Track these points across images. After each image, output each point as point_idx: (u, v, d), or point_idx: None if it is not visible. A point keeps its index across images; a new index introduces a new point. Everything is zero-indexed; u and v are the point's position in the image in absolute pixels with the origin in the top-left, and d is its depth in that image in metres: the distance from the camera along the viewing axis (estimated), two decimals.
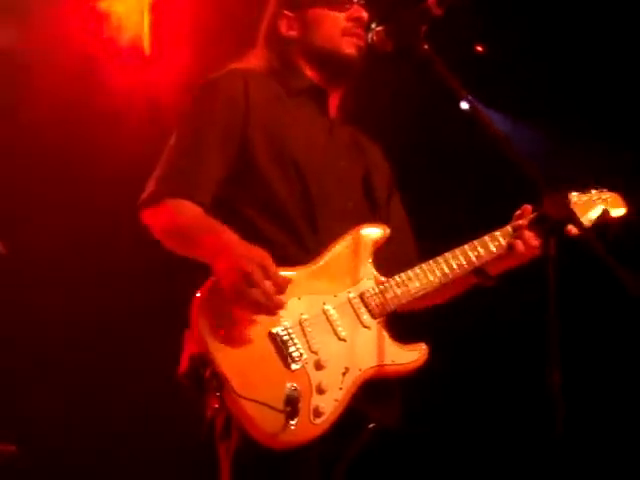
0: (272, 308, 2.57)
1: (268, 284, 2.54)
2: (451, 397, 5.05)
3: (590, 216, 3.01)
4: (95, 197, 4.85)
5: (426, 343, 2.80)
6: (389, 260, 2.88)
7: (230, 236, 2.64)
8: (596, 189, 3.09)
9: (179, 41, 5.05)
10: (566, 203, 2.30)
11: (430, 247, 2.98)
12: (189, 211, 2.73)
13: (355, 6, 2.99)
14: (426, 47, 2.56)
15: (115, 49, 5.01)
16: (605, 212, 3.03)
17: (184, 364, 2.62)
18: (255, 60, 3.02)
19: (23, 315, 4.67)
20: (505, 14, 4.93)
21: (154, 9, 5.07)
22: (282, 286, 2.57)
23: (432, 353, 2.80)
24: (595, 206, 3.04)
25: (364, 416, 2.73)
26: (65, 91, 4.78)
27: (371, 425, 2.74)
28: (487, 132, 2.43)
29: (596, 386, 4.89)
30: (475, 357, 5.04)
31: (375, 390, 2.72)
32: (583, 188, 3.09)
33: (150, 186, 2.79)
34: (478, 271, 2.93)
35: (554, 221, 2.30)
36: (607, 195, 3.08)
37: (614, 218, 3.05)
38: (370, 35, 2.86)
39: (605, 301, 4.08)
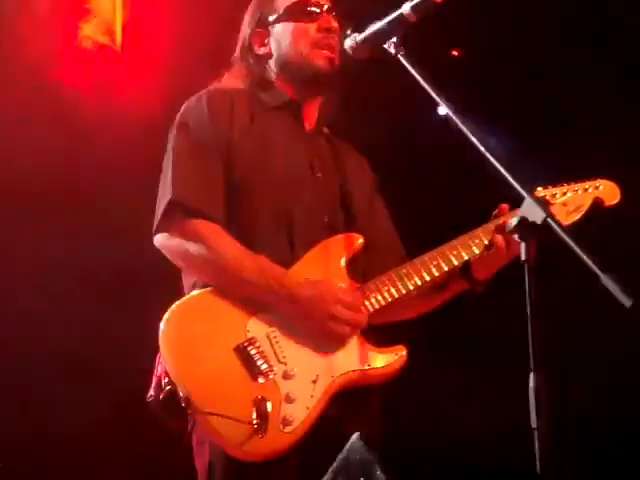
0: (360, 326, 2.73)
1: (349, 314, 2.69)
2: (434, 404, 5.04)
3: (583, 206, 2.99)
4: (69, 195, 4.81)
5: (405, 345, 2.80)
6: (373, 268, 2.88)
7: (288, 280, 2.71)
8: (590, 178, 3.07)
9: (152, 37, 5.03)
10: (545, 206, 2.29)
11: (417, 250, 2.97)
12: (218, 238, 2.75)
13: (324, 16, 3.00)
14: (402, 53, 2.57)
15: (87, 44, 4.98)
16: (599, 201, 3.01)
17: (153, 386, 2.66)
18: (233, 80, 3.05)
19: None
20: (481, 18, 4.94)
21: (127, 4, 5.05)
22: (356, 306, 2.71)
23: (414, 357, 2.80)
24: (588, 196, 3.02)
25: (344, 426, 2.71)
26: (30, 87, 4.75)
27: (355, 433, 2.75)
28: (465, 136, 2.43)
29: (581, 389, 4.89)
30: (458, 360, 5.04)
31: (355, 400, 2.73)
32: (576, 179, 3.07)
33: (161, 208, 2.78)
34: (466, 276, 2.92)
35: (533, 224, 2.30)
36: (600, 183, 3.05)
37: (608, 207, 3.02)
38: (346, 42, 2.87)
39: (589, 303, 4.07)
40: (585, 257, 2.16)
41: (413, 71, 2.52)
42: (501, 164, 2.36)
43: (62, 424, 4.60)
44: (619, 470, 4.80)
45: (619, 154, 4.65)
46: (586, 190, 3.03)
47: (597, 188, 3.03)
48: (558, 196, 3.01)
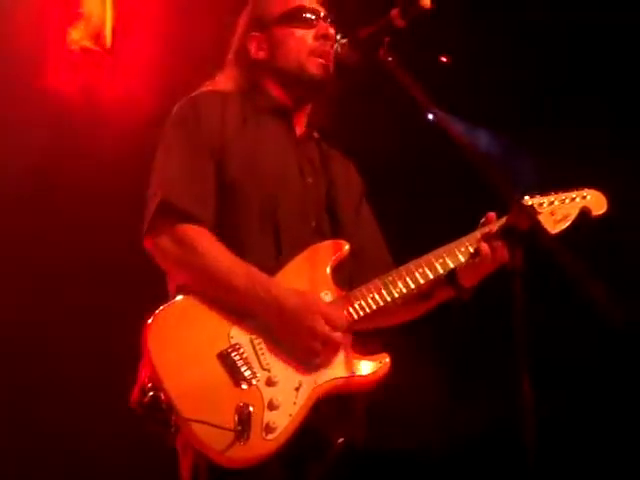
0: (334, 345, 2.69)
1: (327, 331, 2.66)
2: (420, 411, 5.04)
3: (570, 215, 2.98)
4: (60, 195, 4.80)
5: (389, 353, 2.78)
6: (360, 275, 2.88)
7: (276, 288, 2.69)
8: (577, 188, 3.05)
9: (141, 35, 5.02)
10: (532, 213, 2.29)
11: (403, 257, 2.96)
12: (208, 245, 2.73)
13: (321, 23, 2.99)
14: (390, 59, 2.56)
15: (76, 43, 4.97)
16: (586, 211, 3.00)
17: (136, 391, 2.64)
18: (225, 82, 3.03)
19: None
20: (469, 24, 4.95)
21: (117, 7, 5.04)
22: (338, 324, 2.68)
23: (398, 364, 2.79)
24: (576, 206, 3.01)
25: (327, 435, 2.73)
26: (19, 87, 4.75)
27: (340, 440, 2.74)
28: (454, 142, 2.43)
29: (567, 396, 4.91)
30: (444, 368, 5.04)
31: (339, 408, 2.72)
32: (564, 188, 3.06)
33: (151, 210, 2.77)
34: (452, 282, 2.91)
35: (520, 231, 2.30)
36: (587, 193, 3.04)
37: (595, 216, 3.01)
38: (335, 48, 2.87)
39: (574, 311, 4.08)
40: (571, 265, 2.17)
41: (401, 77, 2.52)
42: (489, 171, 2.35)
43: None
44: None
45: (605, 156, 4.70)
46: (573, 199, 3.02)
47: (584, 198, 3.02)
48: (545, 205, 2.99)
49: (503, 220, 2.85)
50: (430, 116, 2.47)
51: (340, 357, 2.71)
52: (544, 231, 2.41)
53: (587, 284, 2.13)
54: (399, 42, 2.60)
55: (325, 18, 3.01)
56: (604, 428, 4.92)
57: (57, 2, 4.93)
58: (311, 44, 2.96)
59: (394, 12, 2.59)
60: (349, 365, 2.72)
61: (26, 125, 4.73)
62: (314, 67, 2.95)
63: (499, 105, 5.05)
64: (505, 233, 2.29)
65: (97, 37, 4.98)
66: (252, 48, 3.02)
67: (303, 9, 3.01)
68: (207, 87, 3.02)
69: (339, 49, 2.87)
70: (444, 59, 4.98)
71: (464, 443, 4.99)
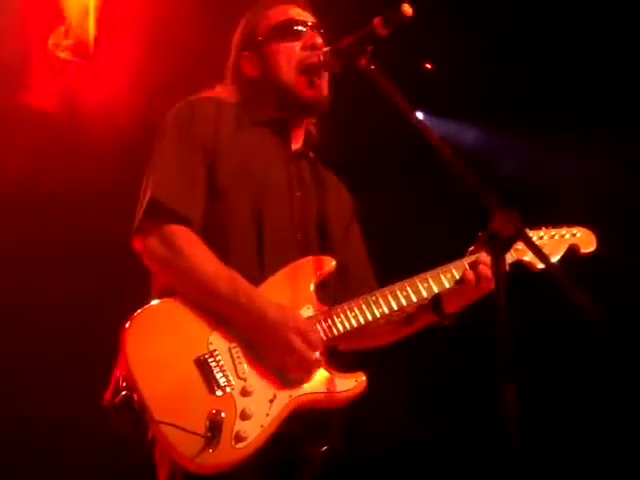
0: (311, 368, 2.69)
1: (305, 348, 2.66)
2: (404, 418, 5.05)
3: (558, 251, 3.00)
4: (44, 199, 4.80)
5: (365, 373, 2.77)
6: (344, 293, 2.88)
7: (259, 298, 2.69)
8: (567, 225, 3.07)
9: (125, 39, 5.02)
10: (517, 220, 2.29)
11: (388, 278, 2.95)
12: (195, 248, 2.73)
13: (309, 33, 3.00)
14: (373, 67, 2.57)
15: (56, 50, 4.96)
16: (575, 248, 3.02)
17: (110, 390, 2.63)
18: (224, 92, 3.05)
19: None
20: (451, 31, 4.97)
21: (100, 7, 5.04)
22: (315, 343, 2.67)
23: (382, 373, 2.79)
24: (565, 242, 3.03)
25: (303, 447, 2.74)
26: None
27: (324, 448, 2.74)
28: (436, 149, 2.43)
29: (552, 402, 4.92)
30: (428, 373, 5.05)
31: (315, 421, 2.72)
32: (554, 224, 3.07)
33: (142, 210, 2.77)
34: (435, 308, 2.91)
35: (504, 238, 2.30)
36: (577, 231, 3.07)
37: (583, 254, 3.03)
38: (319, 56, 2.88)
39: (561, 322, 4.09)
40: (556, 271, 2.17)
41: (384, 85, 2.52)
42: (472, 178, 2.36)
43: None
44: None
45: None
46: (563, 236, 3.04)
47: (574, 235, 3.05)
48: (535, 239, 3.00)
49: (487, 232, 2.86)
50: (412, 122, 2.47)
51: (316, 373, 2.71)
52: (527, 237, 2.42)
53: (568, 286, 2.14)
54: (382, 50, 2.61)
55: (314, 27, 3.02)
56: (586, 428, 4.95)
57: (40, 11, 4.93)
58: (299, 55, 2.97)
59: (377, 21, 2.60)
60: (325, 381, 2.71)
61: (9, 135, 4.73)
62: (304, 87, 2.95)
63: (483, 107, 5.07)
64: (489, 239, 2.29)
65: (78, 47, 4.97)
66: (245, 67, 3.05)
67: (290, 22, 3.02)
68: (204, 93, 3.03)
69: (322, 58, 2.87)
70: (428, 66, 4.99)
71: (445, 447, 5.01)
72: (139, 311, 2.69)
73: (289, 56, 2.97)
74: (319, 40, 2.97)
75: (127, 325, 2.65)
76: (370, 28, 2.60)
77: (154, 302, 2.75)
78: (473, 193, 2.34)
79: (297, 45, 2.98)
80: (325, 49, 2.87)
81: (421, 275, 2.87)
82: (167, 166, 2.81)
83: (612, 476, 4.89)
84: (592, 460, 4.94)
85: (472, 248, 2.94)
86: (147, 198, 2.76)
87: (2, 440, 4.62)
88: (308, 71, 2.95)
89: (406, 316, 2.97)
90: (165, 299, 2.73)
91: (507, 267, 2.76)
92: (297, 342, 2.65)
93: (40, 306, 4.71)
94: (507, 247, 2.32)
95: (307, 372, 2.69)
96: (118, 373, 2.63)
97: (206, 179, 2.82)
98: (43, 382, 4.66)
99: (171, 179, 2.79)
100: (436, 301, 2.90)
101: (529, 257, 2.91)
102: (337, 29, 2.93)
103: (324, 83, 2.96)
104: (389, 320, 2.89)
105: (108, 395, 2.63)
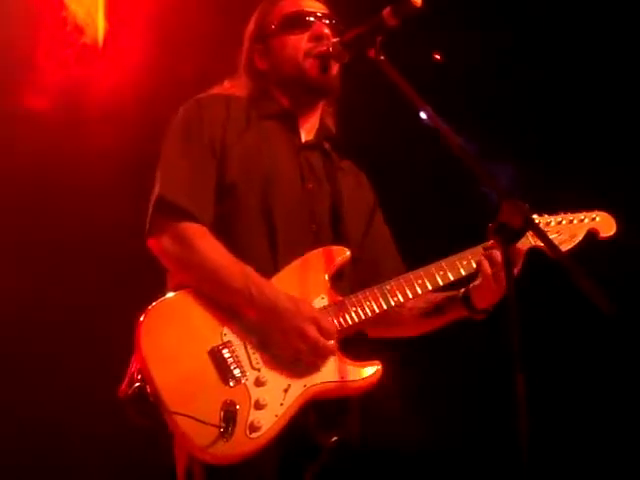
0: (326, 355, 2.70)
1: (318, 338, 2.67)
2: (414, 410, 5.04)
3: (577, 236, 2.99)
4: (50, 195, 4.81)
5: (381, 361, 2.78)
6: (372, 281, 2.89)
7: (271, 290, 2.71)
8: (586, 210, 3.05)
9: (133, 35, 5.02)
10: (525, 211, 2.29)
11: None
12: (206, 243, 2.75)
13: (316, 24, 3.00)
14: (382, 58, 2.57)
15: (70, 44, 4.98)
16: (594, 232, 3.01)
17: (124, 383, 2.66)
18: (235, 87, 3.07)
19: None
20: (462, 22, 4.95)
21: (109, 4, 5.05)
22: (329, 332, 2.68)
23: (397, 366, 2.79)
24: (584, 227, 3.02)
25: (320, 436, 2.74)
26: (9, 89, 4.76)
27: (334, 439, 2.75)
28: (445, 141, 2.43)
29: (561, 393, 4.91)
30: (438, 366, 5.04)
31: (332, 410, 2.74)
32: (572, 209, 3.05)
33: (150, 210, 2.80)
34: (465, 302, 2.90)
35: (513, 229, 2.29)
36: (597, 215, 3.05)
37: (603, 239, 3.02)
38: (328, 46, 2.88)
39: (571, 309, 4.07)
40: (567, 261, 2.17)
41: (393, 76, 2.52)
42: (480, 169, 2.36)
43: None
44: None
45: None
46: (582, 220, 3.03)
47: (593, 219, 3.03)
48: (553, 224, 3.01)
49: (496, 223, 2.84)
50: (422, 115, 2.47)
51: (331, 362, 2.72)
52: (537, 227, 2.42)
53: (580, 277, 2.14)
54: (391, 41, 2.61)
55: (323, 17, 3.02)
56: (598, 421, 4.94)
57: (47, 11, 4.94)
58: (305, 46, 2.97)
59: (386, 11, 2.59)
60: (339, 370, 2.73)
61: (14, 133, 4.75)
62: (311, 68, 2.96)
63: (493, 105, 5.05)
64: (497, 231, 2.28)
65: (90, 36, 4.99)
66: (257, 60, 3.07)
67: (300, 12, 3.03)
68: (214, 90, 3.06)
69: (331, 48, 2.88)
70: (437, 57, 4.98)
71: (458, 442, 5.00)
72: (153, 304, 2.71)
73: (296, 46, 2.99)
74: (326, 30, 2.98)
75: (141, 319, 2.68)
76: (379, 18, 2.60)
77: (168, 295, 2.77)
78: (482, 184, 2.34)
79: (304, 36, 2.99)
80: (334, 40, 2.87)
81: (437, 263, 2.89)
82: (175, 166, 2.84)
83: (625, 469, 4.87)
84: (604, 454, 4.92)
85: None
86: (155, 197, 2.79)
87: (18, 440, 4.63)
88: (317, 57, 2.95)
89: (435, 306, 2.97)
90: (179, 292, 2.76)
91: (524, 253, 2.78)
92: (311, 330, 2.67)
93: (50, 306, 4.71)
94: (516, 238, 2.31)
95: (322, 359, 2.70)
96: (133, 366, 2.66)
97: (215, 178, 2.84)
98: (56, 381, 4.66)
99: (179, 178, 2.81)
100: (466, 296, 2.90)
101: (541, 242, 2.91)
102: (351, 18, 2.93)
103: (334, 69, 2.96)
104: (420, 312, 2.94)
105: (123, 387, 2.66)
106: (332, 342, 2.70)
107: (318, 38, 2.97)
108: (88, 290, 4.74)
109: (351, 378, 2.74)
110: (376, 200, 3.19)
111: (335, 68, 2.97)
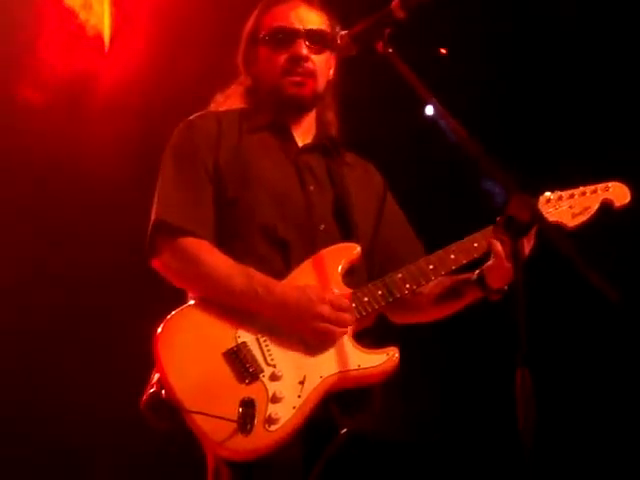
0: (347, 325, 2.73)
1: (336, 314, 2.71)
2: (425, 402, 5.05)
3: (591, 208, 2.96)
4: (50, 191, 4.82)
5: (398, 347, 2.79)
6: (384, 268, 2.93)
7: (276, 286, 2.75)
8: (600, 182, 3.02)
9: (137, 30, 5.03)
10: (533, 204, 2.29)
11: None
12: (206, 253, 2.79)
13: (297, 43, 3.01)
14: (390, 50, 2.56)
15: (75, 43, 4.98)
16: (608, 202, 2.98)
17: (145, 393, 2.70)
18: (228, 100, 3.11)
19: None
20: (469, 16, 4.95)
21: (114, 3, 5.05)
22: (344, 306, 2.74)
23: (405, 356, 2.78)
24: (597, 197, 2.98)
25: (336, 425, 2.74)
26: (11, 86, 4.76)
27: (343, 431, 2.75)
28: (452, 134, 2.43)
29: (565, 386, 4.91)
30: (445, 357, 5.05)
31: (351, 399, 2.75)
32: (584, 182, 3.03)
33: (149, 233, 2.84)
34: (480, 284, 2.90)
35: (521, 223, 2.29)
36: (611, 185, 3.00)
37: (618, 208, 2.97)
38: (336, 39, 2.87)
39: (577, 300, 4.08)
40: (573, 255, 2.16)
41: (401, 69, 2.52)
42: (488, 163, 2.35)
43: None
44: None
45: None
46: (594, 192, 3.00)
47: (607, 190, 3.00)
48: (565, 199, 3.00)
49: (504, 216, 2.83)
50: (428, 110, 2.47)
51: (346, 351, 2.74)
52: (544, 220, 2.41)
53: (586, 268, 2.13)
54: (399, 34, 2.60)
55: (303, 36, 3.02)
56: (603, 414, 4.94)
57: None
58: (283, 66, 3.00)
59: (394, 3, 2.59)
60: (356, 358, 2.75)
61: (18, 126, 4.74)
62: (289, 86, 2.99)
63: (499, 98, 5.06)
64: (505, 224, 2.28)
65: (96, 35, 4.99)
66: (250, 62, 3.10)
67: (282, 30, 3.04)
68: (206, 109, 3.09)
69: (339, 41, 2.87)
70: (444, 52, 4.98)
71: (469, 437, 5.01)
72: (170, 316, 2.76)
73: (274, 65, 3.01)
74: (304, 51, 2.99)
75: (159, 330, 2.73)
76: (387, 11, 2.59)
77: (183, 306, 2.82)
78: (492, 178, 2.34)
79: (284, 55, 3.00)
80: (342, 32, 2.87)
81: (447, 248, 2.90)
82: (170, 189, 2.88)
83: (629, 463, 4.88)
84: (608, 447, 4.93)
85: (499, 218, 2.91)
86: (152, 221, 2.83)
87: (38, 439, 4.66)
88: (292, 75, 2.98)
89: (451, 290, 2.98)
90: (194, 302, 2.81)
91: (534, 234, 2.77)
92: (325, 309, 2.70)
93: (51, 306, 4.72)
94: (524, 232, 2.31)
95: (341, 336, 2.72)
96: (153, 377, 2.71)
97: (212, 197, 2.87)
98: (79, 383, 4.71)
99: (174, 200, 2.85)
100: (481, 277, 2.90)
101: (555, 217, 2.93)
102: (351, 18, 2.93)
103: (309, 81, 2.99)
104: (436, 297, 2.97)
105: (143, 400, 2.70)
106: (348, 315, 2.72)
107: (295, 60, 2.99)
108: (88, 290, 4.75)
109: (368, 365, 2.74)
110: (386, 185, 3.20)
111: (318, 83, 3.01)
